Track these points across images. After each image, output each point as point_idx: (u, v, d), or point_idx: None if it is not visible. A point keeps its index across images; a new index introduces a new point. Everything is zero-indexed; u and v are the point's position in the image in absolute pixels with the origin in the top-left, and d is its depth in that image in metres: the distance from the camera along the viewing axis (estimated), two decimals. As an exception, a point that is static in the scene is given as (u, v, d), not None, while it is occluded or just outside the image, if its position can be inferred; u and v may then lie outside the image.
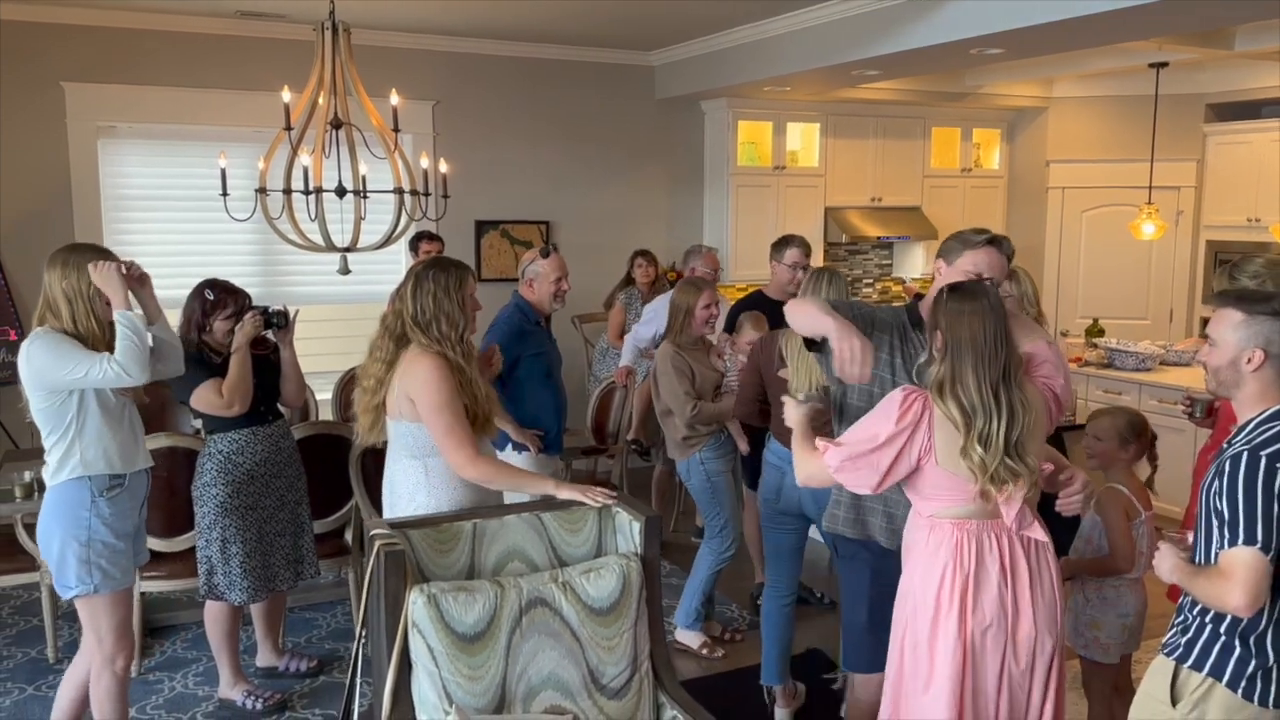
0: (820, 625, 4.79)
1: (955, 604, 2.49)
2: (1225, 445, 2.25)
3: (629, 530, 2.89)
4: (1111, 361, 6.59)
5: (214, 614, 3.96)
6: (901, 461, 2.48)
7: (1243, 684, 2.18)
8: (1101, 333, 7.24)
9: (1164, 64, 6.86)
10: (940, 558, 2.52)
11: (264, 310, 3.88)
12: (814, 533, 5.61)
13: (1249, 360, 2.21)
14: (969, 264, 2.70)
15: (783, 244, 4.94)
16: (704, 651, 4.45)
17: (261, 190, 4.16)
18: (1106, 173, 7.94)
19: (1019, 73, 7.46)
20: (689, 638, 4.48)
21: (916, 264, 8.35)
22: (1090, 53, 6.64)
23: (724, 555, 4.43)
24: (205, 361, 3.80)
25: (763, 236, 7.55)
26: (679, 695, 2.80)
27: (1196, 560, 2.26)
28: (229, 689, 4.03)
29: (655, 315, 5.50)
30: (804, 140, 7.87)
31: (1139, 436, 3.33)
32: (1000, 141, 8.58)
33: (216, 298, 3.84)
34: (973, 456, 2.41)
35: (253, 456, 3.86)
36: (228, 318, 3.83)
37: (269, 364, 3.95)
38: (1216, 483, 2.18)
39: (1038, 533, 2.53)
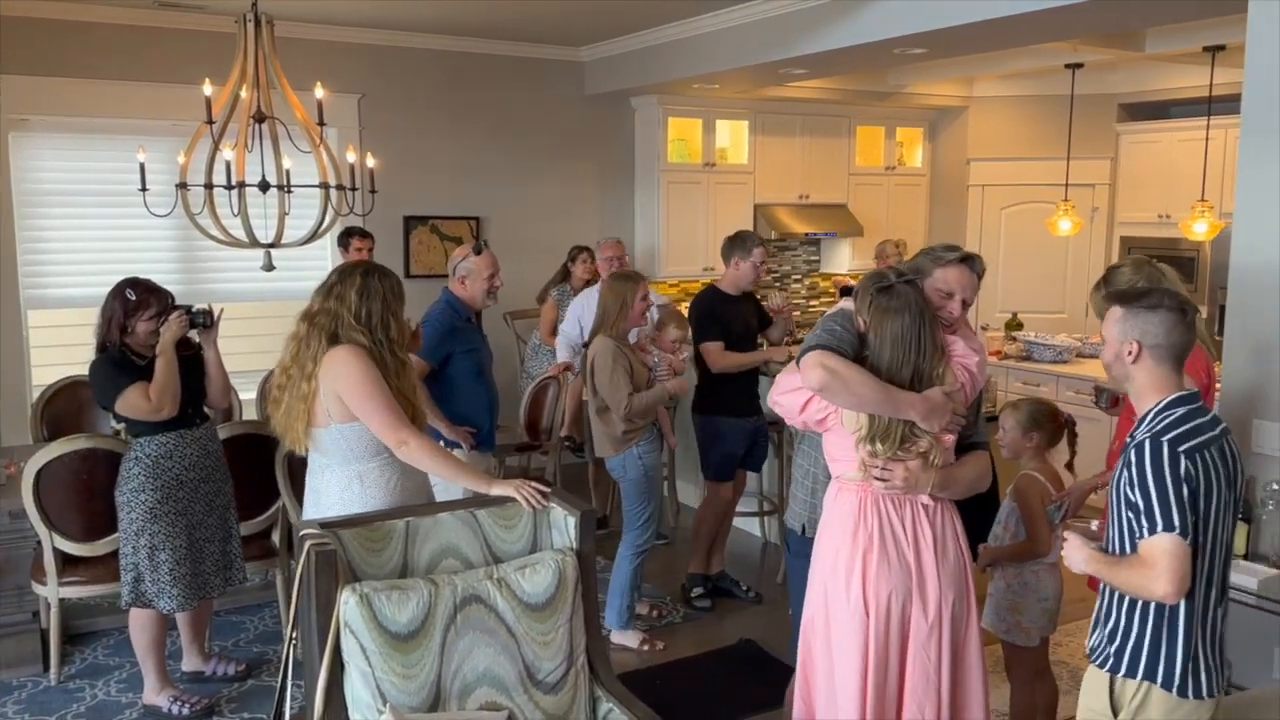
0: (749, 617, 4.85)
1: (858, 563, 2.63)
2: (1130, 438, 2.32)
3: (564, 525, 2.90)
4: (1030, 354, 6.78)
5: (140, 621, 3.86)
6: (808, 409, 2.68)
7: (1176, 682, 2.23)
8: (1020, 326, 7.44)
9: (1079, 65, 7.07)
10: (845, 518, 2.66)
11: (188, 309, 3.79)
12: (739, 522, 5.72)
13: (1129, 352, 2.30)
14: (940, 281, 2.75)
15: (747, 243, 4.87)
16: (644, 648, 4.47)
17: (182, 185, 4.08)
18: (1024, 171, 8.15)
19: (940, 72, 7.61)
20: (626, 638, 4.49)
21: (843, 260, 8.48)
22: (1009, 53, 6.81)
23: (642, 549, 4.46)
24: (128, 364, 3.70)
25: (694, 233, 7.65)
26: (615, 688, 2.81)
27: (1109, 550, 2.32)
28: (154, 695, 3.93)
29: (584, 310, 5.50)
30: (733, 138, 7.93)
31: (1039, 426, 3.43)
32: (923, 140, 8.76)
33: (138, 298, 3.73)
34: (870, 446, 2.61)
35: (181, 461, 3.77)
36: (151, 318, 3.72)
37: (194, 365, 3.85)
38: (1125, 473, 2.23)
39: (925, 498, 2.68)
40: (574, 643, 2.77)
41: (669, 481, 5.86)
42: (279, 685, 2.80)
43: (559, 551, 2.83)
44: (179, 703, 3.91)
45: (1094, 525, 2.44)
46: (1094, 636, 2.39)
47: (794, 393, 2.70)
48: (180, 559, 3.76)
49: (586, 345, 4.45)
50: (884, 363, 2.61)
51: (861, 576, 2.63)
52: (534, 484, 2.95)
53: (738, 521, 5.54)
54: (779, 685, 4.11)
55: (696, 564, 5.05)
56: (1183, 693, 2.23)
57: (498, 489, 2.94)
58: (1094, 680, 2.35)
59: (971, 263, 2.79)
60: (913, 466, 2.61)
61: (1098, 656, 2.35)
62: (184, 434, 3.78)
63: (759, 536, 5.94)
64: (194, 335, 3.85)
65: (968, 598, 2.73)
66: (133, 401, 3.64)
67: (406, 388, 3.14)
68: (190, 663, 4.19)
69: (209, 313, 3.84)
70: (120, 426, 3.92)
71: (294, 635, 2.69)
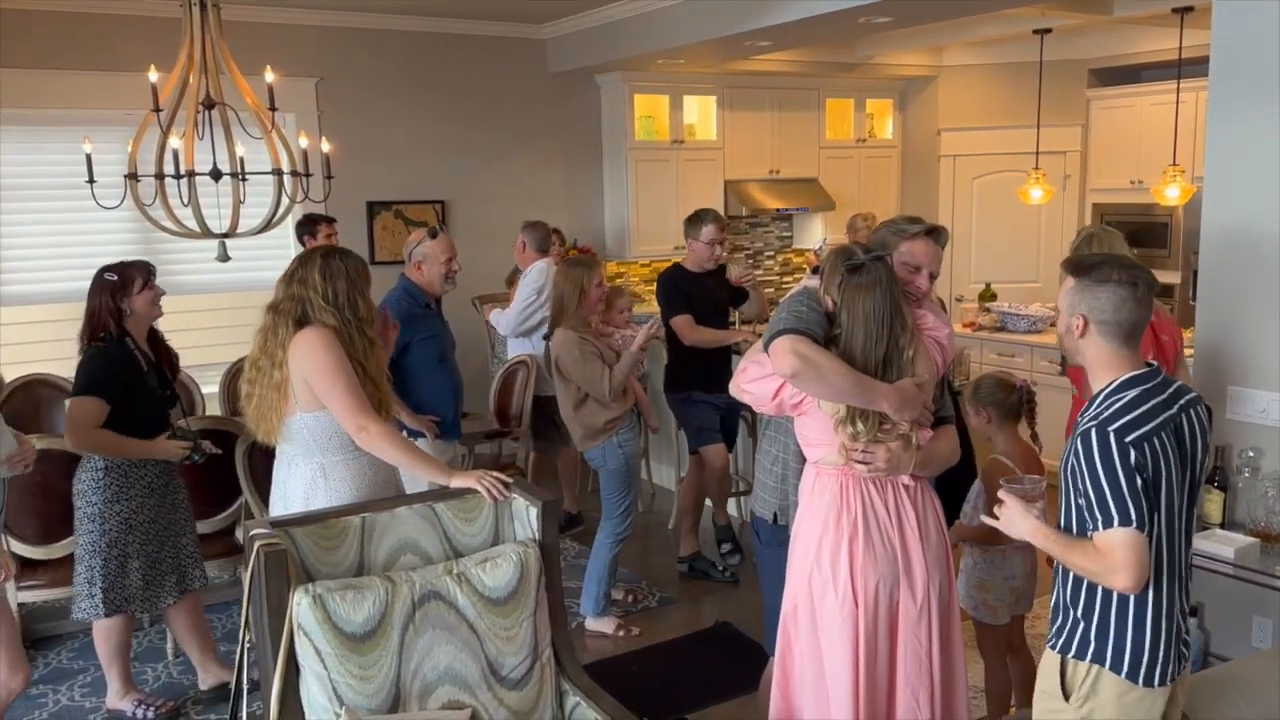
0: (726, 599, 4.81)
1: (844, 552, 2.55)
2: (1079, 419, 2.21)
3: (526, 516, 2.82)
4: (1004, 325, 6.73)
5: (104, 629, 3.75)
6: (780, 397, 2.59)
7: (1125, 667, 2.15)
8: (994, 297, 7.39)
9: (1048, 30, 6.99)
10: (824, 503, 2.58)
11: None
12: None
13: (1076, 326, 2.20)
14: (907, 255, 2.68)
15: (698, 220, 4.86)
16: (620, 634, 4.41)
17: (131, 176, 3.97)
18: (995, 139, 8.09)
19: (909, 42, 7.52)
20: (601, 624, 4.43)
21: (815, 235, 8.40)
22: (977, 20, 6.74)
23: (621, 538, 4.39)
24: (128, 361, 3.60)
25: (664, 211, 7.55)
26: (582, 682, 2.75)
27: (1064, 527, 2.24)
28: (118, 699, 3.85)
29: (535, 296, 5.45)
30: (701, 113, 7.83)
31: (987, 402, 3.30)
32: (893, 111, 8.68)
33: (121, 275, 3.64)
34: (848, 428, 2.52)
35: (154, 469, 3.69)
36: (141, 289, 3.64)
37: (164, 398, 3.74)
38: (1073, 461, 2.14)
39: (906, 478, 2.61)
40: (538, 636, 2.69)
41: (644, 464, 5.80)
42: (233, 688, 2.72)
43: (521, 543, 2.75)
44: (144, 706, 3.82)
45: (1025, 484, 2.31)
46: (1051, 629, 2.31)
47: (763, 380, 2.60)
48: (151, 564, 3.68)
49: (547, 338, 4.34)
50: (858, 343, 2.51)
51: (849, 565, 2.55)
52: (496, 474, 2.87)
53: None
54: (756, 667, 4.06)
55: (689, 544, 5.01)
56: (1133, 677, 2.15)
57: (458, 480, 2.86)
58: (1047, 661, 2.29)
59: (936, 235, 2.73)
60: (894, 448, 2.53)
61: (1051, 639, 2.29)
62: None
63: (736, 516, 5.88)
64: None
65: (950, 577, 2.69)
66: (84, 411, 3.50)
67: (375, 370, 3.08)
68: (208, 679, 3.98)
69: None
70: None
71: (248, 639, 2.61)
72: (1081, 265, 2.22)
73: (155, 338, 3.81)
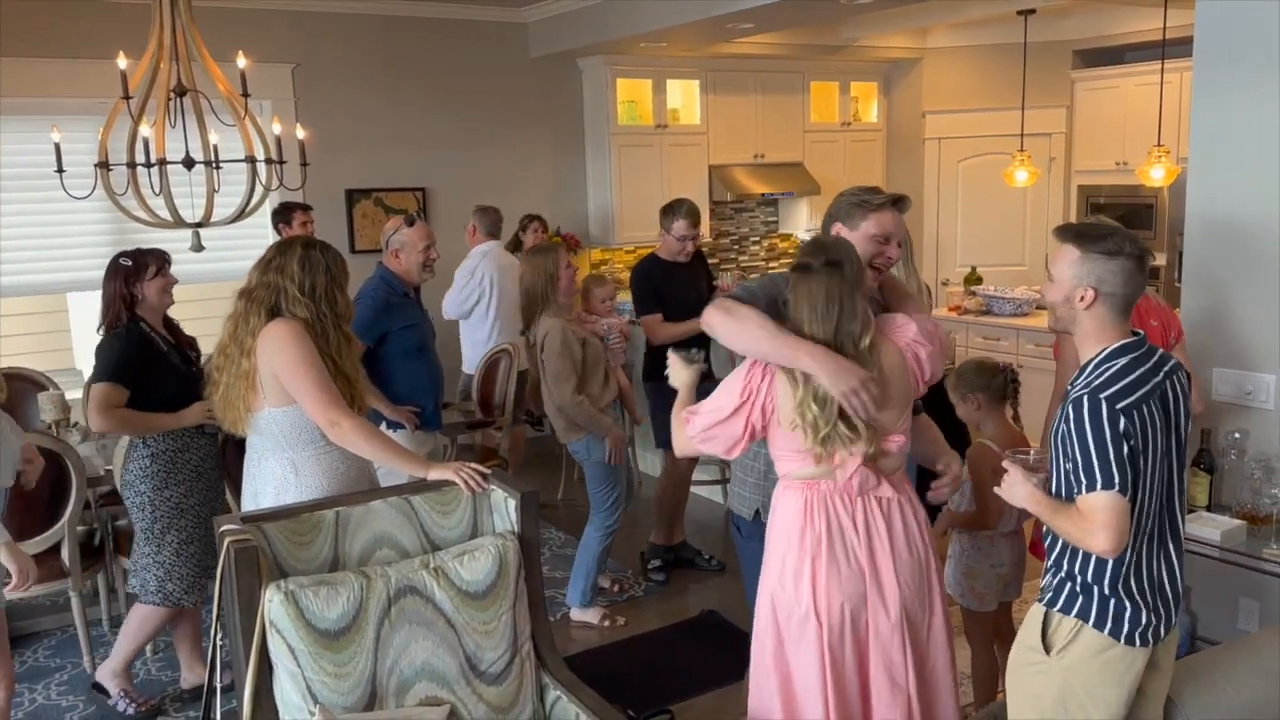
0: (713, 587, 4.77)
1: (806, 570, 2.43)
2: (1069, 387, 2.23)
3: (505, 508, 2.77)
4: (990, 308, 6.71)
5: (150, 617, 3.69)
6: (750, 428, 2.45)
7: (1109, 624, 2.19)
8: (980, 280, 7.37)
9: (1031, 11, 6.94)
10: (792, 518, 2.46)
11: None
12: (700, 490, 5.63)
13: (1081, 298, 2.19)
14: (874, 227, 2.60)
15: (671, 213, 4.79)
16: (605, 624, 4.37)
17: (102, 165, 3.89)
18: (980, 122, 8.04)
19: (893, 23, 7.46)
20: (587, 615, 4.39)
21: (801, 220, 8.36)
22: (962, 1, 6.68)
23: (611, 531, 4.35)
24: (145, 343, 3.57)
25: (649, 197, 7.46)
26: (562, 675, 2.70)
27: (1054, 493, 2.25)
28: (110, 678, 3.78)
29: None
30: (684, 98, 7.76)
31: (975, 386, 3.25)
32: (878, 94, 8.62)
33: (135, 261, 3.62)
34: (805, 415, 2.36)
35: (198, 452, 3.67)
36: (154, 276, 3.61)
37: (189, 375, 3.67)
38: (1064, 427, 2.16)
39: (886, 490, 2.44)
40: (518, 630, 2.65)
41: (631, 452, 5.75)
42: (205, 686, 2.66)
43: (500, 536, 2.71)
44: (127, 698, 3.77)
45: (1031, 456, 2.31)
46: (1043, 583, 2.34)
47: (720, 423, 2.45)
48: (206, 550, 3.66)
49: (525, 331, 4.27)
50: (803, 316, 2.39)
51: (811, 585, 2.42)
52: (473, 466, 2.82)
53: (699, 490, 5.44)
54: (743, 656, 4.02)
55: (658, 535, 4.96)
56: (1115, 635, 2.19)
57: (435, 472, 2.81)
58: (1033, 615, 2.31)
59: (900, 204, 2.66)
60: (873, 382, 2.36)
61: (1040, 593, 2.31)
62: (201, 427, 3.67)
63: (721, 504, 5.85)
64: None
65: (929, 594, 2.53)
66: (102, 396, 3.48)
67: (349, 367, 3.03)
68: (191, 678, 3.95)
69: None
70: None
71: (220, 637, 2.56)
72: (1089, 235, 2.21)
73: (170, 325, 3.78)
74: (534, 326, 4.21)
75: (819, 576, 2.42)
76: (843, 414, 2.36)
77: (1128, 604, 2.19)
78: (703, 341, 2.97)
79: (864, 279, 2.47)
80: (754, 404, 2.43)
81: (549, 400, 4.24)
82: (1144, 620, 2.20)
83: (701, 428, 2.49)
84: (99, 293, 3.73)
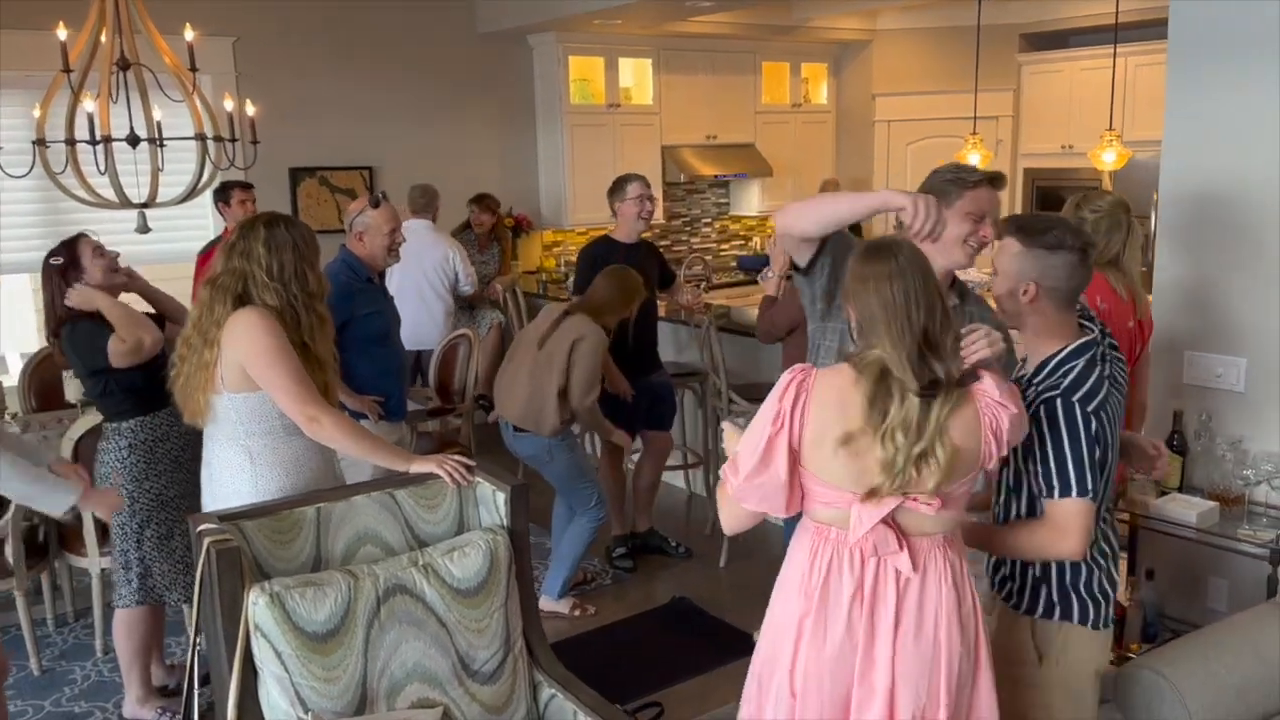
0: (680, 574, 4.72)
1: (794, 625, 2.02)
2: (1026, 384, 2.19)
3: (493, 502, 2.68)
4: (944, 290, 6.74)
5: (131, 622, 3.46)
6: (793, 455, 1.96)
7: (1091, 617, 2.22)
8: (932, 262, 7.39)
9: (982, -6, 6.97)
10: (796, 566, 2.07)
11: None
12: (667, 476, 5.58)
13: (1025, 292, 2.17)
14: (970, 205, 2.47)
15: (621, 182, 4.73)
16: (575, 614, 4.30)
17: (40, 141, 3.70)
18: (930, 105, 8.07)
19: (844, 4, 7.45)
20: (557, 605, 4.30)
21: (753, 202, 8.32)
22: (914, -17, 6.68)
23: (601, 522, 4.30)
24: (92, 318, 3.33)
25: (601, 177, 7.26)
26: (556, 672, 2.63)
27: (997, 511, 2.25)
28: (138, 707, 3.53)
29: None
30: (637, 77, 7.65)
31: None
32: (828, 76, 8.60)
33: (66, 254, 3.37)
34: (887, 446, 1.90)
35: (177, 440, 3.45)
36: (94, 255, 3.38)
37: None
38: (1032, 430, 2.11)
39: (904, 563, 1.96)
40: (510, 627, 2.57)
41: (586, 438, 5.68)
42: (185, 692, 2.53)
43: (489, 530, 2.62)
44: (167, 715, 3.53)
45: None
46: (1003, 591, 2.32)
47: (761, 469, 1.94)
48: (188, 544, 3.42)
49: (563, 318, 4.14)
50: (882, 335, 1.94)
51: (793, 648, 2.02)
52: (458, 457, 2.72)
53: (665, 476, 5.38)
54: (715, 642, 4.02)
55: (616, 525, 4.88)
56: (1096, 625, 2.23)
57: (418, 466, 2.71)
58: (1013, 625, 2.28)
59: (997, 182, 2.55)
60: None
61: (1012, 600, 2.29)
62: (172, 410, 3.31)
63: (684, 489, 5.80)
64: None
65: (946, 694, 2.01)
66: (114, 348, 3.27)
67: (323, 350, 2.89)
68: (159, 677, 3.74)
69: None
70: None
71: (198, 641, 2.42)
72: (1030, 229, 2.20)
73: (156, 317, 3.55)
74: (536, 322, 4.16)
75: (802, 639, 2.01)
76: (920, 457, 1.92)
77: (1097, 590, 2.23)
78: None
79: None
80: (790, 425, 1.94)
81: (537, 393, 4.10)
82: (1107, 603, 2.25)
83: (744, 475, 1.96)
84: (28, 275, 3.50)
